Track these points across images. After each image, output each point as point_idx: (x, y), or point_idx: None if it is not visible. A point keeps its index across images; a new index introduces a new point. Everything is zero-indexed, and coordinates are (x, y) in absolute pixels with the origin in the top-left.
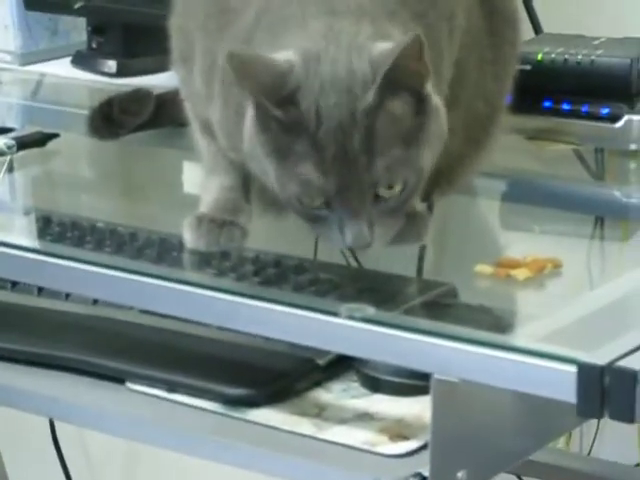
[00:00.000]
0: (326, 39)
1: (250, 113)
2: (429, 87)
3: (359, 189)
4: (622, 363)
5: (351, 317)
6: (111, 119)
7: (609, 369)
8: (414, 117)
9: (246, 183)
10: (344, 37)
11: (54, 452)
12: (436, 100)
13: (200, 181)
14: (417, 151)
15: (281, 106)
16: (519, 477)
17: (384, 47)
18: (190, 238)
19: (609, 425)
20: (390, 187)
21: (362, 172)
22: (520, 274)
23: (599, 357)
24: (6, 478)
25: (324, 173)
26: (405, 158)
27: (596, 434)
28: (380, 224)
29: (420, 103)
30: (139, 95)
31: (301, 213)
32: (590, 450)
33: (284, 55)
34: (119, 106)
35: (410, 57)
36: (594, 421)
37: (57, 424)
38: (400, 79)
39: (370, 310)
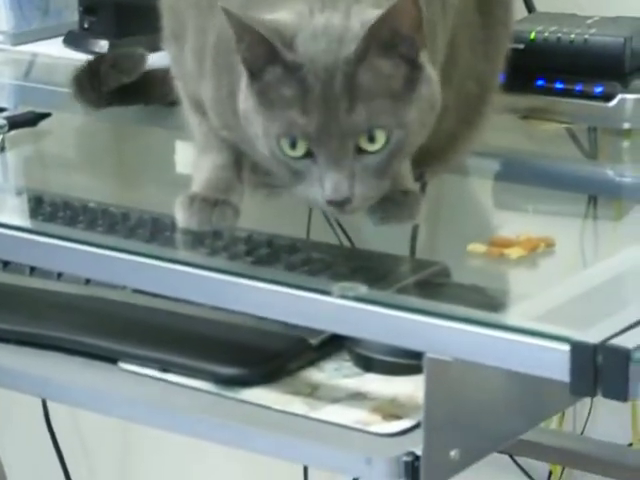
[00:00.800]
0: (322, 3)
1: (244, 82)
2: (424, 57)
3: (340, 134)
4: (615, 341)
5: (344, 296)
6: (98, 75)
7: (602, 347)
8: (405, 80)
9: (238, 162)
10: (341, 4)
11: (47, 434)
12: (431, 71)
13: (192, 160)
14: (404, 107)
15: (284, 49)
16: (512, 457)
17: (378, 12)
18: (182, 217)
19: (602, 405)
20: (372, 139)
21: (342, 116)
22: (513, 253)
23: (592, 335)
24: None
25: (306, 113)
26: (389, 111)
27: (589, 414)
28: (362, 181)
29: (414, 70)
30: (132, 54)
31: (283, 165)
32: (583, 430)
33: (279, 15)
34: (110, 62)
35: (402, 19)
36: (587, 401)
37: (50, 406)
38: (392, 40)
39: (363, 289)
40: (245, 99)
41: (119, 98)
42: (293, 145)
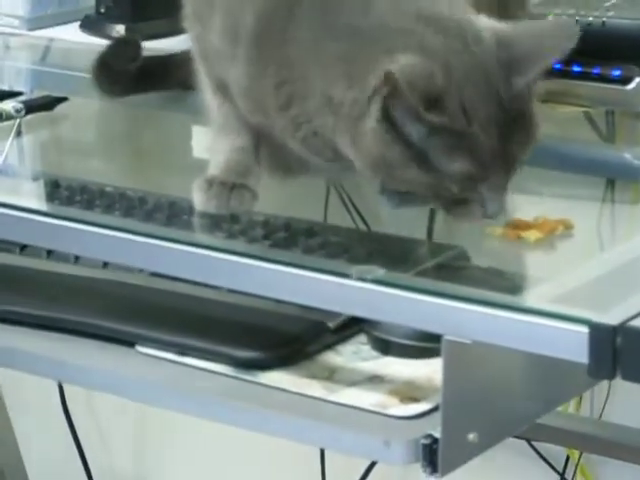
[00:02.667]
0: (429, 30)
1: (373, 123)
2: None
3: (509, 172)
4: (634, 323)
5: (362, 278)
6: (110, 67)
7: (621, 329)
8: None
9: (256, 145)
10: (445, 24)
11: (64, 418)
12: None
13: (209, 142)
14: (536, 122)
15: (431, 111)
16: (529, 441)
17: (503, 27)
18: (200, 200)
19: (620, 389)
20: None
21: (514, 158)
22: (531, 235)
23: (611, 317)
24: (15, 443)
25: (482, 165)
26: (535, 133)
27: (607, 398)
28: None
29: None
30: (124, 41)
31: (444, 203)
32: (601, 414)
33: (416, 59)
34: (111, 53)
35: (569, 47)
36: (605, 386)
37: (66, 389)
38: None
39: (380, 271)
40: (384, 145)
41: (140, 86)
42: (463, 191)
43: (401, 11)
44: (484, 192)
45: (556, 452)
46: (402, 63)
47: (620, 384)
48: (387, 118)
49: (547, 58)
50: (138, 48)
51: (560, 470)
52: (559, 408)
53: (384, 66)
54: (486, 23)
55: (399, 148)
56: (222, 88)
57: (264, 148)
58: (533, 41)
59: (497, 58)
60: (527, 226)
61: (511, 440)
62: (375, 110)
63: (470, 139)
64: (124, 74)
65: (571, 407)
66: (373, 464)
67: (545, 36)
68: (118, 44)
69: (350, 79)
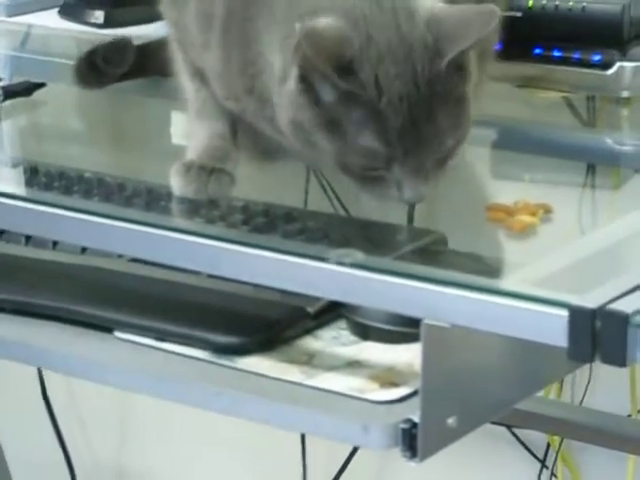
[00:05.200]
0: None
1: (291, 85)
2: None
3: (423, 155)
4: (613, 306)
5: (340, 262)
6: (96, 68)
7: (600, 312)
8: (460, 83)
9: (233, 130)
10: None
11: (43, 405)
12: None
13: (186, 128)
14: (467, 108)
15: (341, 76)
16: (509, 428)
17: (436, 8)
18: (178, 185)
19: (601, 376)
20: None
21: (428, 141)
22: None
23: (590, 300)
24: None
25: (388, 143)
26: (460, 118)
27: (587, 385)
28: (434, 177)
29: (463, 71)
30: (119, 44)
31: (355, 176)
32: (582, 401)
33: (330, 21)
34: (102, 55)
35: (487, 32)
36: (586, 372)
37: (46, 378)
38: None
39: (359, 255)
40: (297, 108)
41: (119, 78)
42: (371, 166)
43: None
44: (397, 174)
45: (537, 439)
46: (317, 25)
47: (601, 370)
48: (303, 80)
49: (465, 40)
50: (131, 52)
51: (541, 457)
52: (540, 394)
53: (302, 30)
54: (426, 3)
55: (310, 112)
56: (198, 74)
57: (241, 134)
58: (456, 23)
59: (423, 38)
60: (508, 211)
61: (491, 427)
62: (293, 72)
63: (379, 113)
64: (110, 75)
65: (552, 393)
66: (355, 450)
67: (467, 18)
68: (112, 47)
69: (281, 43)
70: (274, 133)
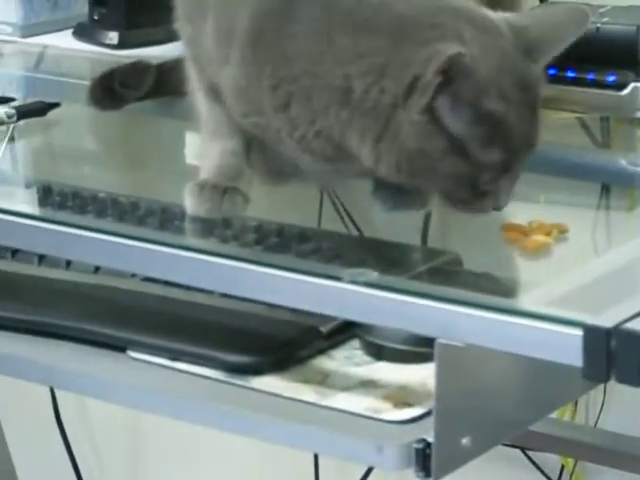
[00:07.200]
0: (455, 21)
1: (412, 115)
2: None
3: (526, 162)
4: (629, 325)
5: (354, 281)
6: (112, 91)
7: (616, 332)
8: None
9: (247, 149)
10: (465, 15)
11: (55, 424)
12: None
13: (199, 147)
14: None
15: (482, 99)
16: (523, 450)
17: (510, 18)
18: (192, 204)
19: (615, 397)
20: None
21: (534, 147)
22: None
23: (605, 320)
24: (6, 450)
25: (515, 154)
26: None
27: (602, 406)
28: None
29: None
30: (139, 68)
31: (464, 195)
32: (596, 423)
33: (456, 48)
34: (120, 79)
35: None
36: (600, 393)
37: (58, 396)
38: None
39: (373, 275)
40: (425, 136)
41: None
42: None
43: (415, 4)
44: (503, 182)
45: (551, 461)
46: (451, 52)
47: (615, 392)
48: (430, 109)
49: (561, 43)
50: (151, 76)
51: (555, 479)
52: (554, 416)
53: (423, 57)
54: (493, 14)
55: (441, 139)
56: (213, 91)
57: (255, 153)
58: (547, 27)
59: (516, 47)
60: (522, 230)
61: (505, 449)
62: (417, 101)
63: (508, 126)
64: (126, 98)
65: (566, 415)
66: (369, 471)
67: (558, 22)
68: (131, 70)
69: (380, 72)
70: (296, 154)
